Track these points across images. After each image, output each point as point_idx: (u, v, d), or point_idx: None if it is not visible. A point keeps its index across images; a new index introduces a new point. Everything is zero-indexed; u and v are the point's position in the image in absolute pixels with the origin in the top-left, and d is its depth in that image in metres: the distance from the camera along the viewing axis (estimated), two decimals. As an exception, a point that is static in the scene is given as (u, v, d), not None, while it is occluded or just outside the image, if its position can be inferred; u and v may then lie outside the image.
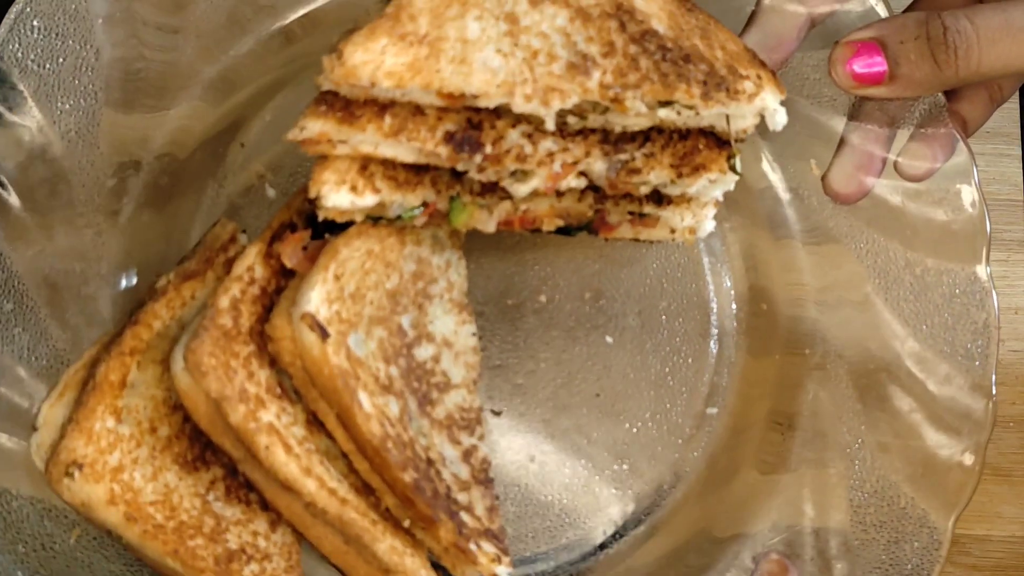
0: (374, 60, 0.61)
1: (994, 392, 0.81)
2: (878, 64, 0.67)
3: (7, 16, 0.71)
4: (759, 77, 0.67)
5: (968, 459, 0.79)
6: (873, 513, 0.81)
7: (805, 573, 0.83)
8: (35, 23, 0.71)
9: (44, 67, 0.73)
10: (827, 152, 0.82)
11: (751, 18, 0.75)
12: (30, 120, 0.73)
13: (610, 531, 0.81)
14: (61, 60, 0.73)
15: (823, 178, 0.77)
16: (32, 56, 0.72)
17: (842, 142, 0.77)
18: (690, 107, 0.66)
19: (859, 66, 0.67)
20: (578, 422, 0.81)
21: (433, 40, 0.62)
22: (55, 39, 0.73)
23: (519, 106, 0.62)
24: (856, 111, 0.77)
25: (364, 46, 0.61)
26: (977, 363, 0.81)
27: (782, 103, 0.68)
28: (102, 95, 0.75)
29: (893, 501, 0.81)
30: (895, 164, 0.76)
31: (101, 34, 0.75)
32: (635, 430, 0.82)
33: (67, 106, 0.74)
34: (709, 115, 0.68)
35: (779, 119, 0.68)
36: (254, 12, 0.79)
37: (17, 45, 0.71)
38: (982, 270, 0.81)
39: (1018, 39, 0.61)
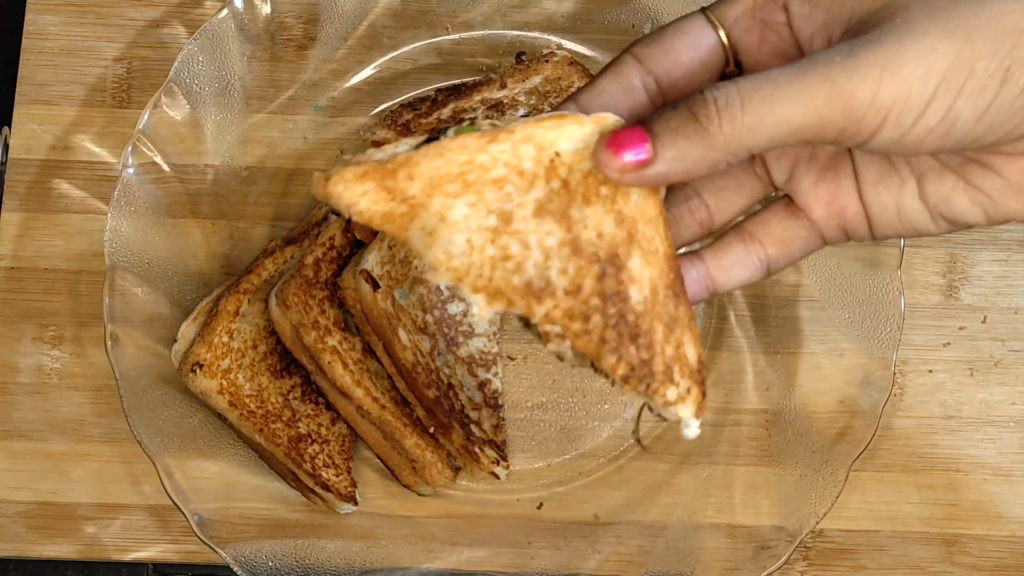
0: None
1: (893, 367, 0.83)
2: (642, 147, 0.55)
3: (180, 54, 0.85)
4: (688, 391, 0.59)
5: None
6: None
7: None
8: (200, 58, 0.85)
9: (204, 89, 0.86)
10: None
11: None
12: (189, 125, 0.87)
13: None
14: (216, 84, 0.87)
15: None
16: (196, 81, 0.86)
17: None
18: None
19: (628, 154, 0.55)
20: (579, 371, 0.88)
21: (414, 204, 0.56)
22: (212, 69, 0.87)
23: (464, 292, 0.56)
24: None
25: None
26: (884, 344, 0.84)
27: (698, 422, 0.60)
28: (242, 110, 0.90)
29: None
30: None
31: (244, 67, 0.89)
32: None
33: (216, 117, 0.88)
34: None
35: (688, 433, 0.60)
36: (365, 54, 0.92)
37: (186, 73, 0.85)
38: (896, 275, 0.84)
39: (782, 89, 0.53)
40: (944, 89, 0.53)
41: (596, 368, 0.59)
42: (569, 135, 0.57)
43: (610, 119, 0.58)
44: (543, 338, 0.56)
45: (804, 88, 0.53)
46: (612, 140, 0.56)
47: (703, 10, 0.61)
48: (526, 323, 0.57)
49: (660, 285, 0.59)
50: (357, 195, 0.55)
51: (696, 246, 0.65)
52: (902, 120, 0.54)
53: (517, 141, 0.57)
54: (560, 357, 0.59)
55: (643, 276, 0.58)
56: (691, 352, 0.60)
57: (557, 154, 0.57)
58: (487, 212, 0.56)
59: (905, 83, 0.53)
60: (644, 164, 0.55)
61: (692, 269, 0.63)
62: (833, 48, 0.54)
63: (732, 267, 0.64)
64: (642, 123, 0.56)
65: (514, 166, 0.57)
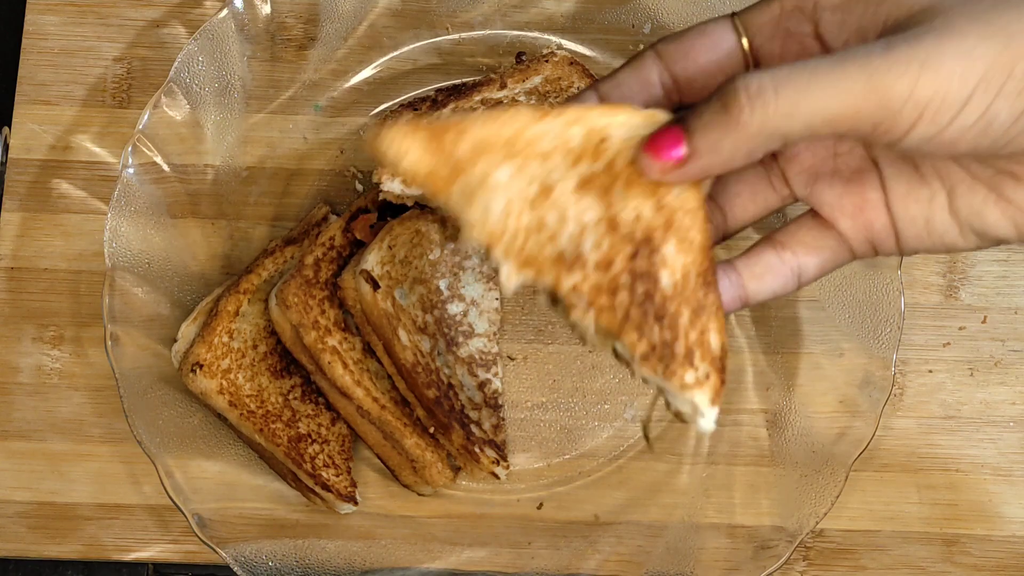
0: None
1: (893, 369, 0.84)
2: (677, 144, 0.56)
3: (180, 54, 0.85)
4: (706, 377, 0.59)
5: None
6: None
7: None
8: (200, 58, 0.86)
9: (204, 89, 0.87)
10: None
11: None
12: (189, 125, 0.87)
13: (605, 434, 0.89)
14: (216, 84, 0.87)
15: None
16: (196, 81, 0.86)
17: None
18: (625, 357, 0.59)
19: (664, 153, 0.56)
20: (579, 371, 0.89)
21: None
22: (212, 69, 0.87)
23: (495, 256, 0.57)
24: None
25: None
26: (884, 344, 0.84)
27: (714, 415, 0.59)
28: (242, 110, 0.90)
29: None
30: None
31: (244, 67, 0.89)
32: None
33: (216, 117, 0.88)
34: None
35: (704, 424, 0.59)
36: (365, 54, 0.92)
37: (186, 73, 0.86)
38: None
39: (819, 77, 0.53)
40: (983, 88, 0.53)
41: (617, 354, 0.59)
42: (620, 123, 0.58)
43: (660, 115, 0.59)
44: (567, 308, 0.57)
45: (841, 79, 0.53)
46: (650, 144, 0.56)
47: (732, 15, 0.61)
48: (552, 300, 0.58)
49: (692, 272, 0.59)
50: (405, 149, 0.56)
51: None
52: (939, 117, 0.53)
53: (568, 121, 0.58)
54: (582, 337, 0.58)
55: (676, 262, 0.58)
56: (715, 340, 0.59)
57: (605, 139, 0.58)
58: (529, 181, 0.57)
59: (944, 80, 0.53)
60: (682, 161, 0.56)
61: (725, 278, 0.63)
62: (871, 43, 0.54)
63: (764, 275, 0.63)
64: (680, 121, 0.56)
65: (562, 143, 0.58)
